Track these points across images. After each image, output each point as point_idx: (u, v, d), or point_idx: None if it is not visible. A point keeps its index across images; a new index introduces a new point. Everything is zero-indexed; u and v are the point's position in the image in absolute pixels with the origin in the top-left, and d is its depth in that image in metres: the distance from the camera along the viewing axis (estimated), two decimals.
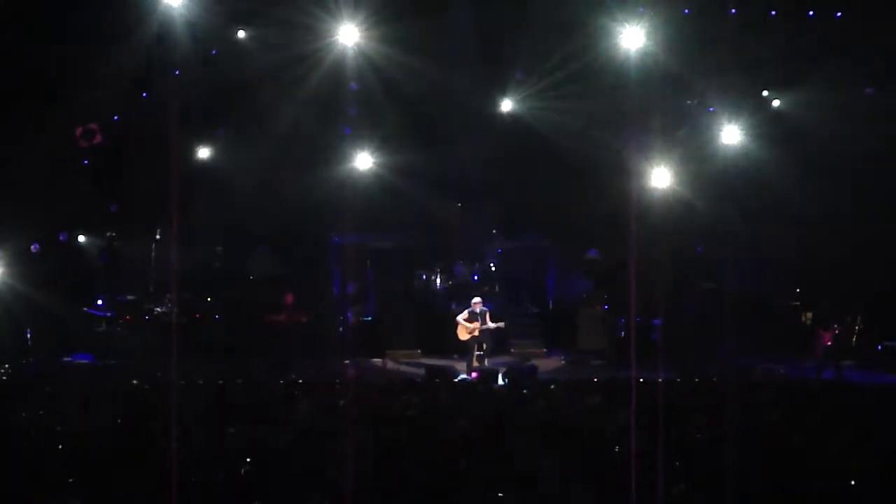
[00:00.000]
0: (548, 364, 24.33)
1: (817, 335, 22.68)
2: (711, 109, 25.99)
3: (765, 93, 26.05)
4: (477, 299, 23.44)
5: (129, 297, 25.04)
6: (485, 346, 23.04)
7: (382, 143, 26.21)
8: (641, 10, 24.21)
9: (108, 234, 25.63)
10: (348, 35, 24.34)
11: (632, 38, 23.98)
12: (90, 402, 15.53)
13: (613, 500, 10.93)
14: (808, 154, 25.09)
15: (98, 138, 24.24)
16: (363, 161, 26.11)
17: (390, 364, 23.75)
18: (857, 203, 25.07)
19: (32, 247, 24.05)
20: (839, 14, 25.42)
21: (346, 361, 22.97)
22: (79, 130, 24.13)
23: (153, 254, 25.94)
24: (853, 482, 11.57)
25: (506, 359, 24.26)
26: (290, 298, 22.92)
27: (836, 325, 22.98)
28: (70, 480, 11.29)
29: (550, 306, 27.29)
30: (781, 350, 24.76)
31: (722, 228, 25.57)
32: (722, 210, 25.06)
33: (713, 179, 25.45)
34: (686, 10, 24.86)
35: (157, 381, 18.87)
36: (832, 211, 25.10)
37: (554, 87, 25.63)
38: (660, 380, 19.53)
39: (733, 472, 11.31)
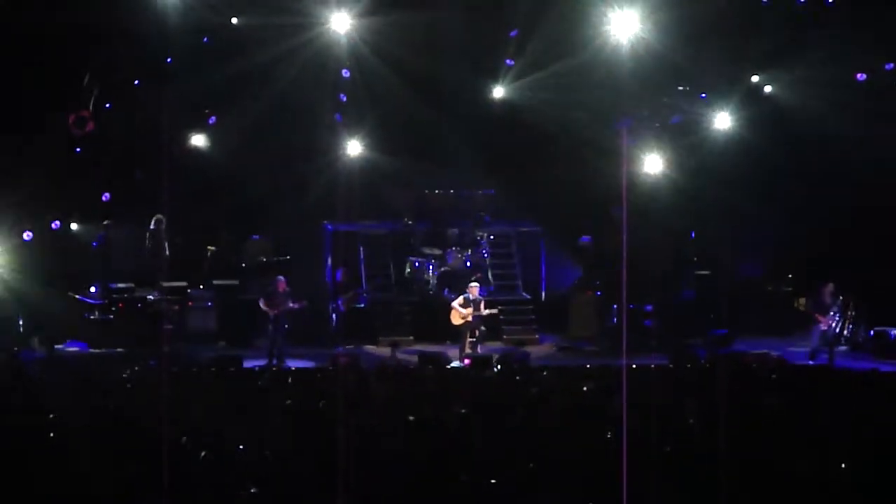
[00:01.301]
0: (540, 351, 24.37)
1: (813, 320, 22.72)
2: (703, 96, 25.98)
3: (755, 78, 26.01)
4: (474, 284, 23.44)
5: (122, 285, 24.97)
6: (478, 332, 23.03)
7: (374, 129, 26.21)
8: None
9: (104, 222, 25.55)
10: (340, 23, 24.42)
11: (624, 23, 23.89)
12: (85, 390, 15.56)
13: (606, 485, 10.94)
14: (800, 139, 25.08)
15: (90, 126, 24.11)
16: (354, 148, 26.17)
17: (388, 351, 23.69)
18: (851, 188, 25.00)
19: (25, 235, 23.96)
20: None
21: (339, 349, 22.98)
22: (71, 118, 23.99)
23: (146, 242, 25.83)
24: (843, 465, 11.63)
25: (498, 345, 24.27)
26: (282, 286, 22.84)
27: (831, 311, 23.00)
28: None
29: (543, 293, 27.27)
30: (774, 335, 24.84)
31: (714, 214, 25.60)
32: (714, 196, 25.04)
33: (705, 165, 25.45)
34: None
35: (150, 369, 18.93)
36: (825, 195, 25.09)
37: (545, 74, 25.58)
38: (652, 366, 19.61)
39: (726, 457, 11.34)
